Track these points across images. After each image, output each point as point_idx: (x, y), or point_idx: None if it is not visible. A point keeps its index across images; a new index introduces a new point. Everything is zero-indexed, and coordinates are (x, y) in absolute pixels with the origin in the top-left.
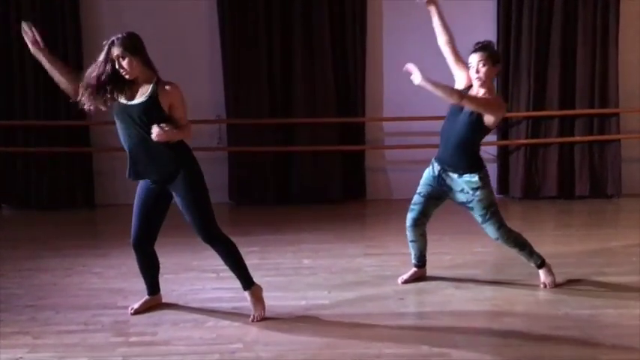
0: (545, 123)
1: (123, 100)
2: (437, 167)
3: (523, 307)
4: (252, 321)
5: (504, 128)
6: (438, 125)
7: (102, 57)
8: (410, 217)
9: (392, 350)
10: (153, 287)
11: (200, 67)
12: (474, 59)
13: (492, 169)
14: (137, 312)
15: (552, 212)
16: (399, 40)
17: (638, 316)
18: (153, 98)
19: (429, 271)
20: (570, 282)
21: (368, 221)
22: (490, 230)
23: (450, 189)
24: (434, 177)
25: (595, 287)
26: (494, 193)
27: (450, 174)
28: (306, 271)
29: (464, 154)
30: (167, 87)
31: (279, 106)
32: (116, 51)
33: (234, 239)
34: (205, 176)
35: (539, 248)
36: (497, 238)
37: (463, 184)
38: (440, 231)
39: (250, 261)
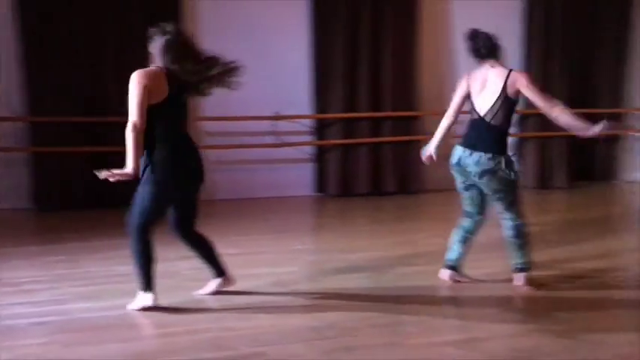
0: (356, 124)
1: None
2: None
3: (337, 300)
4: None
5: (320, 129)
6: (262, 125)
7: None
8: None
9: (209, 355)
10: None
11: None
12: None
13: (309, 169)
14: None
15: (365, 208)
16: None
17: (444, 305)
18: None
19: (248, 270)
20: (378, 272)
21: None
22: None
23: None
24: None
25: (401, 276)
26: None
27: None
28: (119, 278)
29: None
30: None
31: (90, 104)
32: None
33: (36, 248)
34: (4, 180)
35: (354, 243)
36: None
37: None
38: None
39: (57, 271)
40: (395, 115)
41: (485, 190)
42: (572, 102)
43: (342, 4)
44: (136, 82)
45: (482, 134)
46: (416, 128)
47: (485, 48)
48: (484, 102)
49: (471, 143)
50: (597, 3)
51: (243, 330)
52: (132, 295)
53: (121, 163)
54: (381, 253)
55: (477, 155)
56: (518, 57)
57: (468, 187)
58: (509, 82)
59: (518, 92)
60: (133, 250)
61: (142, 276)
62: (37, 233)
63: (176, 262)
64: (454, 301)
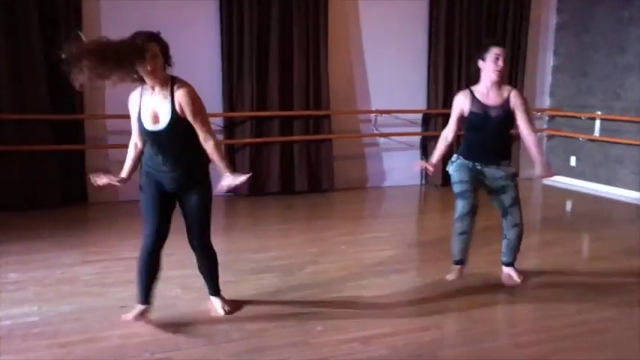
0: (267, 123)
1: None
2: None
3: (245, 302)
4: (225, 313)
5: (230, 128)
6: None
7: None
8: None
9: None
10: (149, 296)
11: None
12: (500, 52)
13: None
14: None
15: (276, 207)
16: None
17: (351, 303)
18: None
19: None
20: (288, 272)
21: (89, 226)
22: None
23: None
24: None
25: (311, 275)
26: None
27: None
28: (12, 286)
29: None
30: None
31: None
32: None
33: None
34: None
35: (264, 242)
36: None
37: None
38: None
39: None
40: (305, 114)
41: None
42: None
43: (251, 2)
44: (198, 98)
45: None
46: (325, 127)
47: None
48: None
49: None
50: (497, 5)
51: (146, 336)
52: (24, 303)
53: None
54: (290, 252)
55: None
56: (425, 57)
57: None
58: None
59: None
60: (211, 260)
61: (216, 280)
62: None
63: (75, 267)
64: (361, 298)
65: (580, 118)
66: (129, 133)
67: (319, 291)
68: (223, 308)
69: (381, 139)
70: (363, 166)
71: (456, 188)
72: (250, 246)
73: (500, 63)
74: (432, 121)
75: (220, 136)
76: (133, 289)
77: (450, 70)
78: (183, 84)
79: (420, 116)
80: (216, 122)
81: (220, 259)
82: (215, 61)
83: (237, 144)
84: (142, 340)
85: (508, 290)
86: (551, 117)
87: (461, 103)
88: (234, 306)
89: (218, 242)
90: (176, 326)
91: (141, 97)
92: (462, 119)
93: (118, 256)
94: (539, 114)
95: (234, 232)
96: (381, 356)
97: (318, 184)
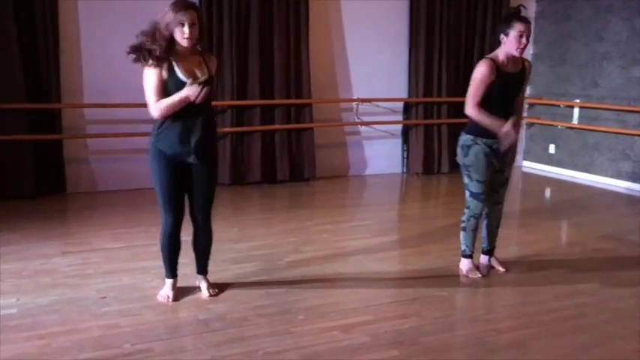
0: (248, 112)
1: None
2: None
3: (226, 291)
4: (210, 295)
5: None
6: (142, 112)
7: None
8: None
9: (90, 355)
10: (176, 269)
11: None
12: (524, 29)
13: None
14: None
15: (257, 197)
16: (98, 25)
17: (332, 291)
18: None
19: (135, 263)
20: (269, 261)
21: (68, 217)
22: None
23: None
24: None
25: (292, 264)
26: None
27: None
28: None
29: None
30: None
31: None
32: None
33: None
34: None
35: (246, 232)
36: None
37: None
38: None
39: None
40: (286, 102)
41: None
42: (456, 96)
43: None
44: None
45: None
46: (307, 116)
47: None
48: None
49: None
50: (476, 1)
51: (127, 327)
52: (1, 295)
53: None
54: (272, 241)
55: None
56: (406, 45)
57: None
58: None
59: None
60: (210, 237)
61: (208, 259)
62: None
63: (54, 258)
64: (342, 286)
65: (559, 106)
66: (108, 121)
67: (300, 280)
68: (209, 290)
69: (363, 128)
70: (345, 155)
71: (474, 187)
72: (231, 236)
73: (524, 40)
74: (413, 109)
75: None
76: (113, 280)
77: (430, 59)
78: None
79: (401, 105)
80: None
81: None
82: None
83: (217, 133)
84: (122, 331)
85: (487, 277)
86: (531, 105)
87: (487, 74)
88: (218, 289)
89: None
90: (156, 316)
91: (169, 67)
92: (486, 89)
93: (97, 246)
94: None
95: (215, 222)
96: (362, 343)
97: (300, 173)
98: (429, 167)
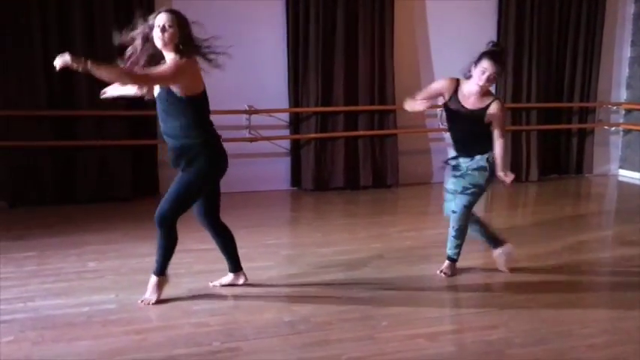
0: (332, 118)
1: None
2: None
3: (311, 295)
4: (142, 302)
5: (296, 123)
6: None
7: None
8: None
9: (182, 351)
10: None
11: None
12: (488, 67)
13: (286, 163)
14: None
15: (340, 202)
16: None
17: (416, 299)
18: None
19: (222, 265)
20: (353, 266)
21: None
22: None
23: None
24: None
25: (376, 270)
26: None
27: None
28: (91, 274)
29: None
30: None
31: (58, 97)
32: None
33: (4, 244)
34: None
35: (329, 237)
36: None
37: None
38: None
39: (26, 268)
40: (370, 108)
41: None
42: (544, 96)
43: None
44: None
45: None
46: (390, 122)
47: None
48: None
49: None
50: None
51: (217, 325)
52: (102, 291)
53: (91, 158)
54: (355, 247)
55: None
56: None
57: None
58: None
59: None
60: (164, 243)
61: (160, 262)
62: (6, 229)
63: (147, 258)
64: (425, 294)
65: None
66: None
67: (384, 286)
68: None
69: (447, 134)
70: (428, 162)
71: (477, 200)
72: (315, 240)
73: (485, 77)
74: None
75: (286, 132)
76: (204, 279)
77: (519, 62)
78: None
79: None
80: (282, 118)
81: (286, 252)
82: (281, 58)
83: (302, 139)
84: (212, 329)
85: (578, 289)
86: (628, 111)
87: (443, 84)
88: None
89: (283, 236)
90: (243, 316)
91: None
92: (434, 99)
93: (188, 247)
94: (614, 108)
95: (299, 227)
96: (448, 353)
97: (383, 179)
98: (517, 174)
